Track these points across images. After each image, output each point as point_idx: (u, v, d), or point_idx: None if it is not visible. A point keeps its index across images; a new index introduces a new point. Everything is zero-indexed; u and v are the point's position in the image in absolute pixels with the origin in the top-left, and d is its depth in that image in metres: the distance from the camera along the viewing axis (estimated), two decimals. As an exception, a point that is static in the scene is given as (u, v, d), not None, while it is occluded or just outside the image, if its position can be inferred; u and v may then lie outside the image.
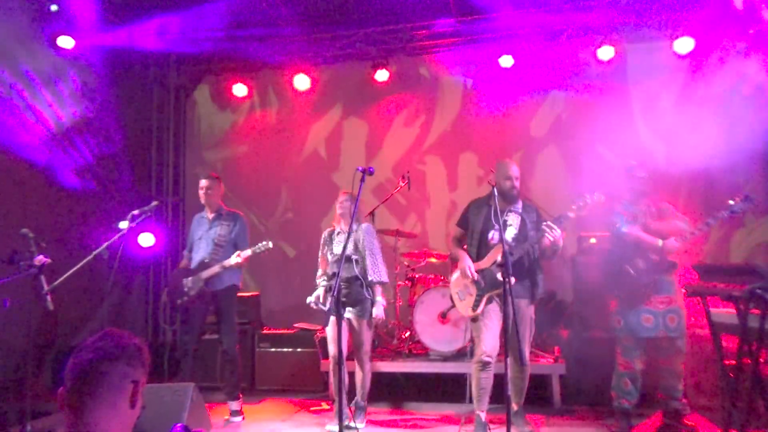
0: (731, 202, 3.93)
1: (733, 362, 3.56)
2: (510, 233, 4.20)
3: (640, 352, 4.16)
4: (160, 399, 3.80)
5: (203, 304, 4.98)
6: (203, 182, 5.12)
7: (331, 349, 4.63)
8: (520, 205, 4.31)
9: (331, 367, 4.67)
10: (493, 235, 4.21)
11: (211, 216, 5.13)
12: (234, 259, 4.77)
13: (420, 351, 5.64)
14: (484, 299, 4.12)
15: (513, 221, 4.24)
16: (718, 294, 3.58)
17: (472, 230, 4.35)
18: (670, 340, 4.07)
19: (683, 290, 4.07)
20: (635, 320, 4.11)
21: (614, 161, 5.89)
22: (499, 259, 3.99)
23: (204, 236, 5.06)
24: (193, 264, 5.04)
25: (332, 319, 4.50)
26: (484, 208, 4.32)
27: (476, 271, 4.17)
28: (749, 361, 3.37)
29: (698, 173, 5.88)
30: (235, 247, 4.95)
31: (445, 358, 5.36)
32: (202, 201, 5.14)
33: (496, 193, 3.68)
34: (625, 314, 4.17)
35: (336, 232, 4.79)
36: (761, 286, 3.17)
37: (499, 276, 3.97)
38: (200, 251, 5.03)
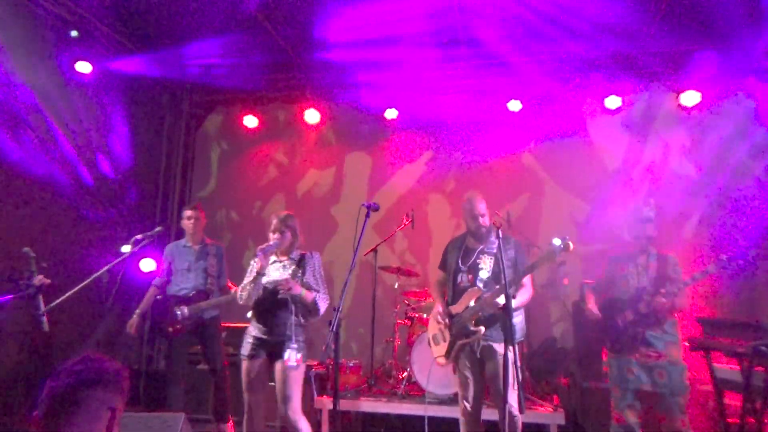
0: (710, 265, 3.74)
1: (737, 421, 3.47)
2: (482, 275, 3.91)
3: (629, 404, 3.99)
4: (149, 428, 3.72)
5: (188, 333, 5.00)
6: (189, 212, 5.19)
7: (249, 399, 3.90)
8: (494, 242, 3.90)
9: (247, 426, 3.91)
10: (461, 278, 4.00)
11: (196, 247, 5.19)
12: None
13: (416, 392, 5.52)
14: (456, 347, 3.94)
15: (485, 264, 3.94)
16: (721, 349, 3.52)
17: (448, 273, 4.11)
18: (660, 397, 3.86)
19: (686, 344, 3.99)
20: (619, 371, 4.02)
21: (617, 209, 5.91)
22: (472, 303, 3.86)
23: (193, 267, 5.10)
24: (183, 293, 5.03)
25: (247, 363, 3.90)
26: (456, 250, 4.12)
27: (448, 317, 3.99)
28: (753, 420, 3.29)
29: (702, 226, 5.92)
30: (219, 277, 5.14)
31: (441, 401, 5.24)
32: (189, 231, 5.18)
33: (500, 235, 3.52)
34: (611, 364, 4.10)
35: (271, 261, 4.04)
36: (766, 343, 3.12)
37: (470, 324, 3.85)
38: (190, 281, 5.06)
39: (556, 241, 3.51)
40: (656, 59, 6.25)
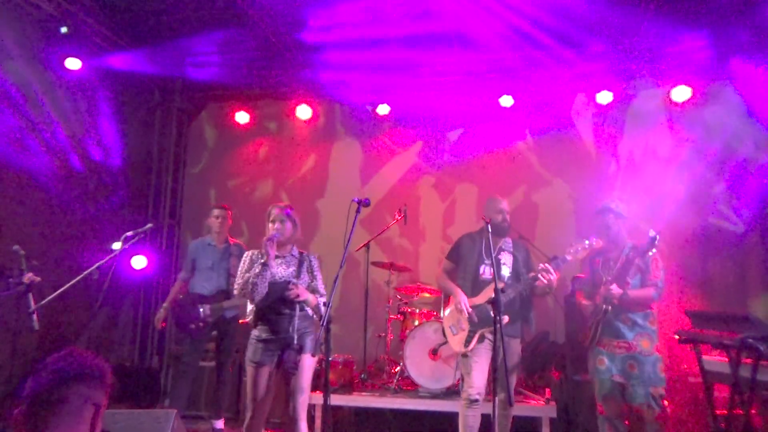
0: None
1: (725, 412, 3.50)
2: (504, 272, 4.16)
3: (606, 395, 4.01)
4: (140, 425, 3.70)
5: (208, 330, 5.11)
6: (217, 212, 5.29)
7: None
8: (510, 242, 4.31)
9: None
10: (484, 269, 4.19)
11: (221, 246, 5.26)
12: None
13: (409, 387, 5.54)
14: (476, 336, 4.06)
15: (506, 260, 4.20)
16: (709, 342, 3.54)
17: (464, 265, 4.28)
18: (633, 388, 3.88)
19: (676, 336, 4.01)
20: (593, 362, 4.09)
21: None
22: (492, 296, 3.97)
23: (216, 266, 5.18)
24: (205, 291, 5.12)
25: (254, 369, 3.71)
26: (476, 243, 4.29)
27: (470, 307, 4.11)
28: (741, 411, 3.31)
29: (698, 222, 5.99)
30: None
31: (434, 395, 5.27)
32: (215, 230, 5.26)
33: (490, 230, 3.69)
34: (588, 356, 4.18)
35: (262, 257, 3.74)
36: (753, 335, 3.14)
37: (492, 313, 3.95)
38: (212, 280, 5.16)
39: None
40: (647, 54, 6.25)
